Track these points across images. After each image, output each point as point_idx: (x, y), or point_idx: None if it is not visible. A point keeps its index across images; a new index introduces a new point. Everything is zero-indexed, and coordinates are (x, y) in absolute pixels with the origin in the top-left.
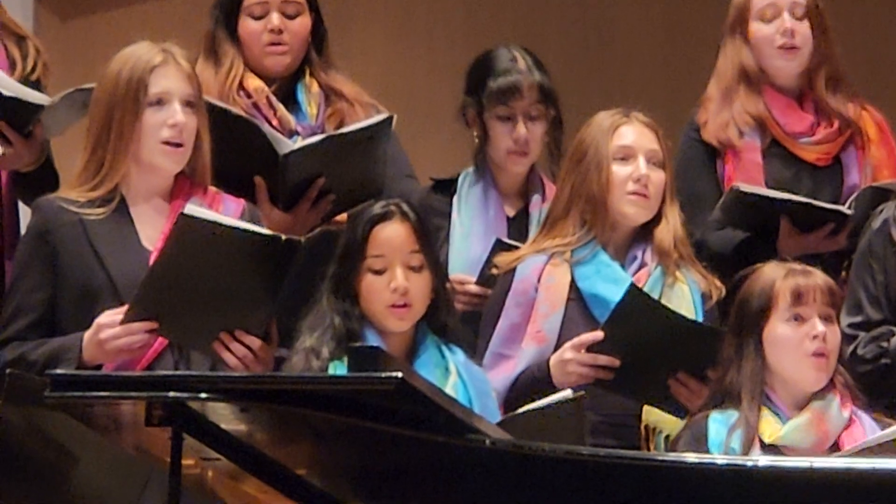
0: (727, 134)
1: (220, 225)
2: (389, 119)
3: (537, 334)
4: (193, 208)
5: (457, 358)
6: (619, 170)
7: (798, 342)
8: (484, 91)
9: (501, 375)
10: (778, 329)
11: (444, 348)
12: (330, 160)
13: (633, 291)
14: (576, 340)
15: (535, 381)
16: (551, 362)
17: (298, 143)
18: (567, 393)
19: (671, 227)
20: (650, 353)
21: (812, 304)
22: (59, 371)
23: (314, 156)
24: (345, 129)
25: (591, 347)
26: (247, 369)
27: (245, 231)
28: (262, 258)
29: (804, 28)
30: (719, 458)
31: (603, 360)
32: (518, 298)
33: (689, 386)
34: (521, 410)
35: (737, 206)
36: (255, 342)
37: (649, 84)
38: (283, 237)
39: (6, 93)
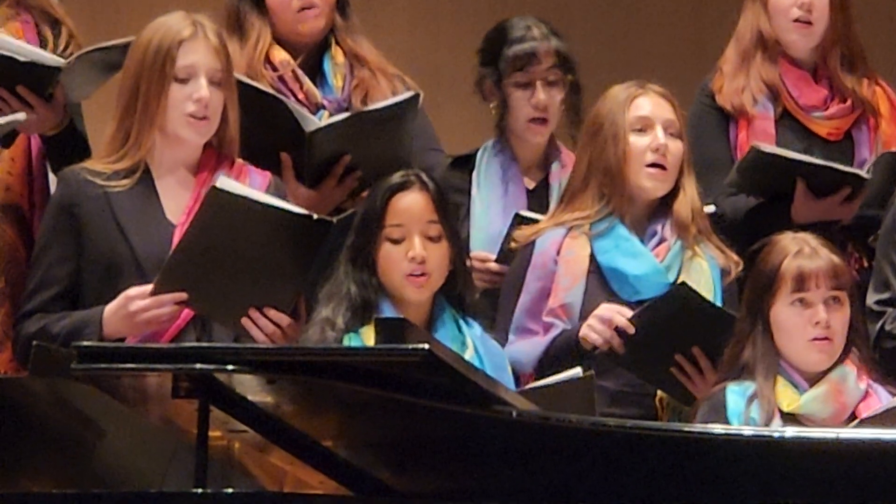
0: (741, 99)
1: (251, 200)
2: (416, 97)
3: (560, 308)
4: (225, 181)
5: (473, 332)
6: (636, 140)
7: (801, 327)
8: (501, 60)
9: (529, 347)
10: (782, 313)
11: (461, 322)
12: (356, 137)
13: (682, 290)
14: (605, 315)
15: (566, 348)
16: (580, 331)
17: (324, 120)
18: (577, 371)
19: (689, 199)
20: (670, 337)
21: (815, 289)
22: (86, 343)
23: (340, 133)
24: (371, 107)
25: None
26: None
27: (275, 208)
28: (292, 235)
29: (822, 3)
30: (745, 430)
31: (615, 343)
32: (538, 272)
33: (700, 363)
34: (530, 386)
35: (755, 167)
36: (284, 319)
37: (676, 56)
38: (315, 216)
39: (23, 58)
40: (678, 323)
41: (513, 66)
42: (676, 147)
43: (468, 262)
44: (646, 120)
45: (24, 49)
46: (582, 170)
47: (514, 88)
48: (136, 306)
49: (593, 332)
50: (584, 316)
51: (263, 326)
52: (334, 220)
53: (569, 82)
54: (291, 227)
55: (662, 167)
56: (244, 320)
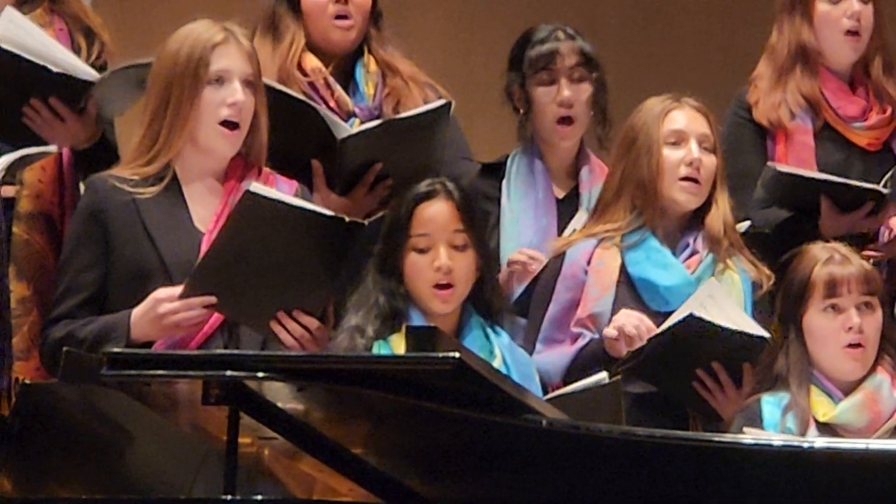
0: (778, 114)
1: (285, 204)
2: (448, 105)
3: (588, 318)
4: (258, 185)
5: (501, 340)
6: (670, 154)
7: (834, 334)
8: (524, 61)
9: (556, 356)
10: (814, 320)
11: (488, 330)
12: (387, 145)
13: (693, 321)
14: (627, 328)
15: (593, 357)
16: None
17: (356, 127)
18: (603, 376)
19: (721, 213)
20: (689, 358)
21: (847, 294)
22: (116, 349)
23: (372, 140)
24: (403, 115)
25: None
26: (302, 349)
27: (309, 211)
28: (323, 239)
29: (868, 12)
30: (775, 440)
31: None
32: (568, 283)
33: (720, 378)
34: (557, 393)
35: (776, 185)
36: (313, 322)
37: (708, 67)
38: (347, 219)
39: (55, 69)
40: (698, 347)
41: (536, 65)
42: (710, 161)
43: (496, 270)
44: (680, 133)
45: (62, 56)
46: (615, 181)
47: (539, 87)
48: (164, 308)
49: (616, 343)
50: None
51: (293, 330)
52: (366, 222)
53: (594, 80)
54: (323, 229)
55: (696, 181)
56: (272, 323)
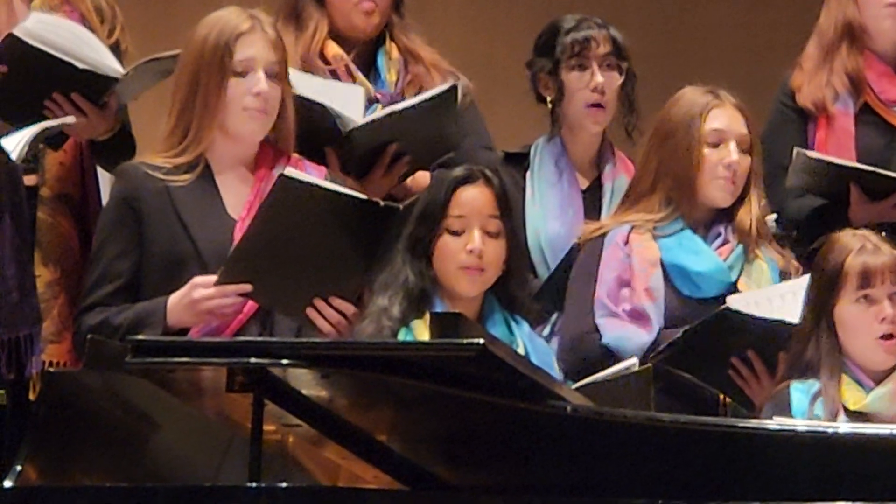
0: (823, 95)
1: (319, 187)
2: (453, 88)
3: (646, 291)
4: (292, 170)
5: (522, 329)
6: (710, 154)
7: (866, 325)
8: (557, 47)
9: (633, 330)
10: (846, 310)
11: (511, 321)
12: (397, 130)
13: (727, 315)
14: None
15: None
16: None
17: (362, 119)
18: (633, 362)
19: (751, 210)
20: (724, 347)
21: (880, 284)
22: (140, 337)
23: (379, 129)
24: (407, 103)
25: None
26: (339, 335)
27: (343, 194)
28: (358, 223)
29: None
30: (800, 425)
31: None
32: (612, 263)
33: (755, 366)
34: (587, 381)
35: (805, 171)
36: (349, 308)
37: (730, 55)
38: (381, 202)
39: (80, 65)
40: (730, 338)
41: (570, 50)
42: (746, 162)
43: (524, 263)
44: (721, 134)
45: (89, 51)
46: (650, 172)
47: (571, 72)
48: (199, 294)
49: None
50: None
51: (329, 316)
52: (401, 206)
53: (624, 70)
54: (357, 213)
55: (732, 181)
56: (309, 310)
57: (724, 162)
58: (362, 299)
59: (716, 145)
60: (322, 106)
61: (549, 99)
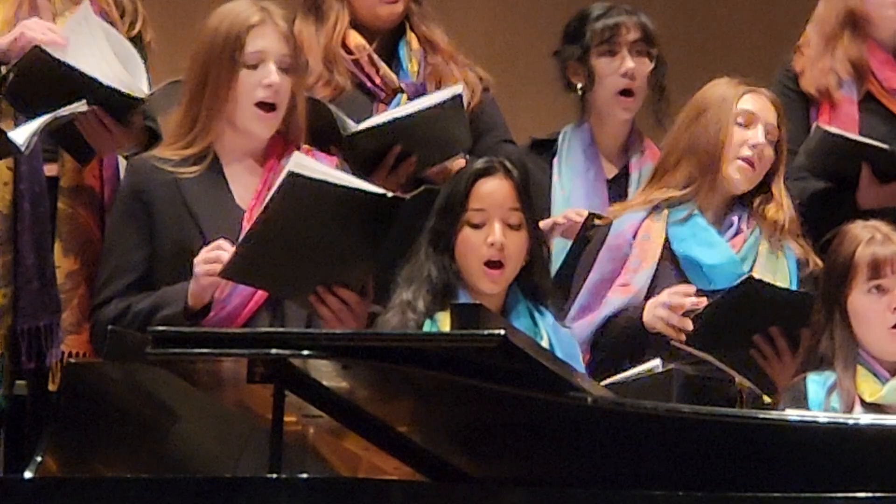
0: (826, 82)
1: (328, 184)
2: (458, 97)
3: (624, 286)
4: (300, 163)
5: (546, 321)
6: (737, 132)
7: (879, 315)
8: (587, 34)
9: (585, 324)
10: (858, 301)
11: (535, 312)
12: (400, 134)
13: (751, 284)
14: (675, 301)
15: (630, 321)
16: (645, 309)
17: (363, 123)
18: (656, 363)
19: (784, 207)
20: (746, 323)
21: (891, 274)
22: (161, 328)
23: (381, 134)
24: (409, 110)
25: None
26: (341, 323)
27: (351, 189)
28: (365, 214)
29: None
30: (821, 417)
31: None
32: (611, 253)
33: (778, 344)
34: (609, 381)
35: (821, 148)
36: (352, 297)
37: (753, 45)
38: (388, 194)
39: (105, 81)
40: (753, 311)
41: (600, 36)
42: (770, 153)
43: (546, 254)
44: (751, 115)
45: (109, 70)
46: (677, 149)
47: (602, 58)
48: (199, 268)
49: (661, 321)
50: (646, 301)
51: (331, 304)
52: (406, 197)
53: (654, 56)
54: (364, 205)
55: (752, 165)
56: (311, 297)
57: (749, 142)
58: (367, 289)
59: (745, 126)
60: (327, 107)
61: (578, 86)
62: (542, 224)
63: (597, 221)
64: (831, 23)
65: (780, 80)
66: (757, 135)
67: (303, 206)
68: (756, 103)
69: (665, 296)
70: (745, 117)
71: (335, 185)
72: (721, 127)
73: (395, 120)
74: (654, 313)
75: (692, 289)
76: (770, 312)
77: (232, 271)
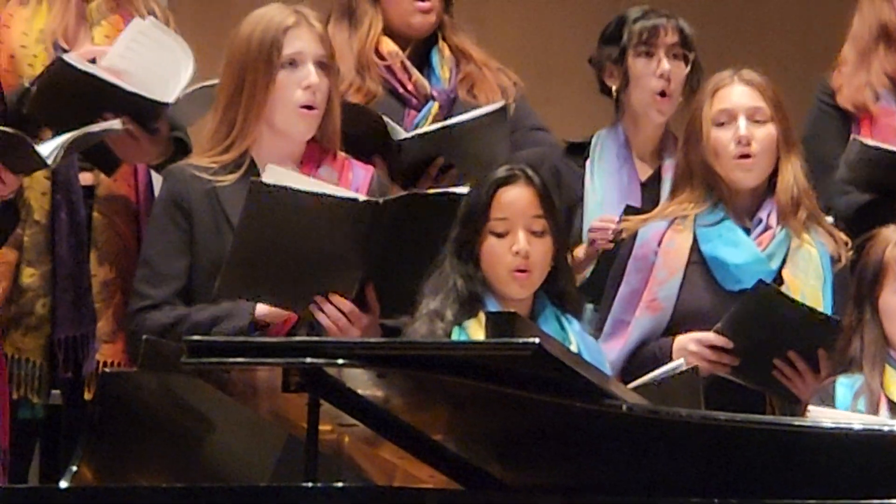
0: (863, 97)
1: (291, 190)
2: (503, 108)
3: (652, 303)
4: (272, 172)
5: (574, 328)
6: (719, 135)
7: None
8: (624, 35)
9: (618, 345)
10: (889, 301)
11: (562, 319)
12: (446, 143)
13: (762, 289)
14: (700, 337)
15: (656, 359)
16: (674, 346)
17: (413, 131)
18: (680, 363)
19: (788, 182)
20: (765, 340)
21: None
22: (196, 338)
23: (430, 141)
24: (460, 119)
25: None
26: (340, 332)
27: (320, 194)
28: (345, 220)
29: None
30: (855, 424)
31: (725, 359)
32: (638, 264)
33: (798, 366)
34: (634, 384)
35: (860, 161)
36: (346, 304)
37: (786, 53)
38: (362, 198)
39: (129, 88)
40: (769, 324)
41: (638, 37)
42: (764, 133)
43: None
44: (727, 112)
45: (136, 77)
46: (683, 162)
47: (639, 59)
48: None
49: (696, 359)
50: (678, 309)
51: (329, 313)
52: (380, 200)
53: (691, 60)
54: (341, 211)
55: (747, 157)
56: (312, 306)
57: (733, 138)
58: (368, 300)
59: (724, 125)
60: (374, 113)
61: (613, 88)
62: (577, 252)
63: (623, 234)
64: (865, 37)
65: (818, 97)
66: (738, 128)
67: (277, 216)
68: (728, 97)
69: (689, 339)
70: (723, 116)
71: (303, 192)
72: (702, 135)
73: (446, 127)
74: (687, 348)
75: (711, 336)
76: (786, 328)
77: (226, 289)
